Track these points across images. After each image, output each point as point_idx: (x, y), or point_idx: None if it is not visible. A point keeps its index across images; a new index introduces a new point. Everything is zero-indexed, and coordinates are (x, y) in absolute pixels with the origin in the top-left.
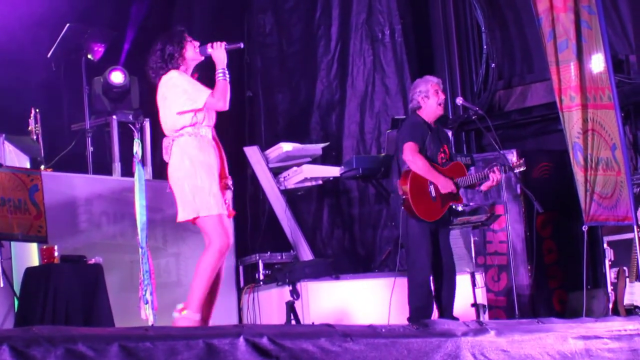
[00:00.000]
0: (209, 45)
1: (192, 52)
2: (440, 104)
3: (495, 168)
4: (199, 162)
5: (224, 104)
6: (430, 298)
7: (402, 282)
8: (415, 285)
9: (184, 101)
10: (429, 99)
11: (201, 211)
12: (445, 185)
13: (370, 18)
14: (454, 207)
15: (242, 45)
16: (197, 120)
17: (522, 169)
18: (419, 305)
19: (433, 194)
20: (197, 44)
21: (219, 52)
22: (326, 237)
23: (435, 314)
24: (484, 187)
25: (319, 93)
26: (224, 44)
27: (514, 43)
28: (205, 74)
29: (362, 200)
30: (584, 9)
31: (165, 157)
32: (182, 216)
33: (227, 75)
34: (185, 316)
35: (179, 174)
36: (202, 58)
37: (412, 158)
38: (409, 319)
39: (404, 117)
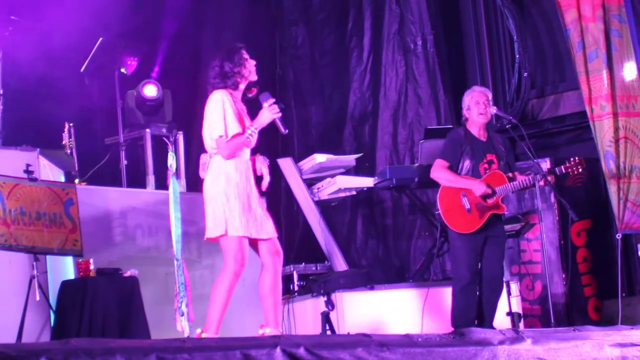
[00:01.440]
0: (271, 101)
1: (250, 71)
2: (481, 114)
3: (538, 176)
4: (234, 182)
5: (226, 154)
6: (470, 309)
7: (436, 293)
8: (455, 295)
9: (219, 127)
10: (470, 110)
11: (227, 230)
12: (477, 188)
13: (402, 29)
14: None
15: (285, 131)
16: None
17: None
18: (458, 315)
19: (467, 205)
20: (253, 62)
21: (267, 115)
22: (360, 248)
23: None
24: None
25: (351, 104)
26: (279, 114)
27: (546, 52)
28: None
29: (395, 211)
30: (614, 18)
31: (201, 174)
32: (210, 233)
33: (253, 137)
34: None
35: (212, 192)
36: (256, 78)
37: (437, 174)
38: (452, 328)
39: (437, 127)
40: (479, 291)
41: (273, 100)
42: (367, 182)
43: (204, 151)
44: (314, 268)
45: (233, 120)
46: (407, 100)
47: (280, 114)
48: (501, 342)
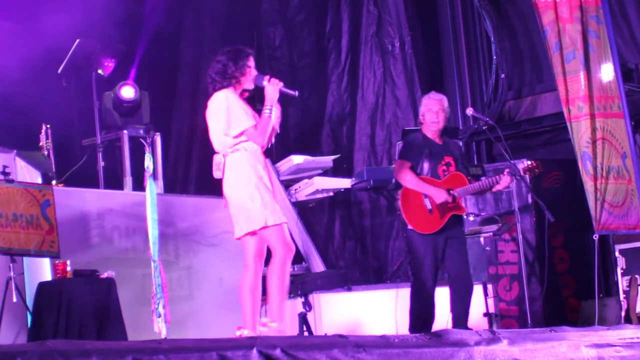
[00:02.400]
0: (267, 77)
1: (248, 79)
2: (433, 122)
3: (505, 171)
4: (257, 175)
5: (263, 140)
6: (431, 309)
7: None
8: (417, 297)
9: (232, 123)
10: (424, 116)
11: (267, 221)
12: (437, 195)
13: (380, 30)
14: (465, 216)
15: (297, 94)
16: (246, 139)
17: (537, 172)
18: (419, 316)
19: (429, 206)
20: (255, 72)
21: (272, 90)
22: (338, 249)
23: (449, 324)
24: (494, 189)
25: (329, 106)
26: (281, 84)
27: (524, 53)
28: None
29: (373, 212)
30: (592, 19)
31: (216, 174)
32: (244, 229)
33: (273, 113)
34: (273, 328)
35: (237, 189)
36: (253, 87)
37: (400, 175)
38: (409, 330)
39: (415, 128)
40: (450, 293)
41: (268, 76)
42: (345, 183)
43: (187, 153)
44: (291, 269)
45: (243, 113)
46: (384, 101)
47: (282, 83)
48: (477, 343)
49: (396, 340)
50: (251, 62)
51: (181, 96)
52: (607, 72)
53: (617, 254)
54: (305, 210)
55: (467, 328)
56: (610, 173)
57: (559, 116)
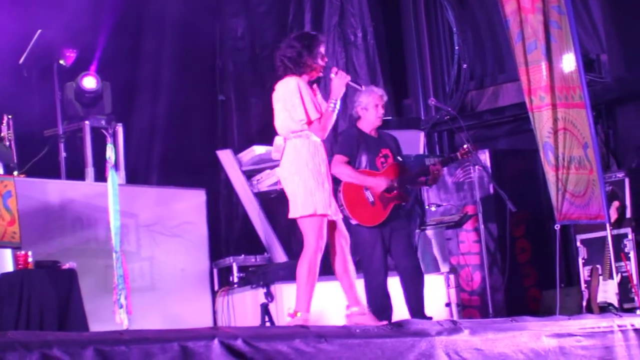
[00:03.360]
0: (334, 70)
1: (319, 68)
2: (378, 117)
3: (435, 160)
4: (312, 164)
5: (324, 134)
6: (387, 300)
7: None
8: (371, 290)
9: (299, 112)
10: (367, 111)
11: (315, 210)
12: (377, 184)
13: (343, 21)
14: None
15: (362, 88)
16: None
17: (469, 155)
18: (377, 308)
19: (371, 198)
20: (325, 60)
21: (339, 83)
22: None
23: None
24: (430, 181)
25: None
26: (348, 77)
27: (486, 43)
28: None
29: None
30: (554, 9)
31: (275, 155)
32: (296, 212)
33: (337, 108)
34: (299, 318)
35: (292, 173)
36: (321, 74)
37: (338, 169)
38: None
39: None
40: (402, 286)
41: (335, 69)
42: None
43: (148, 143)
44: (253, 260)
45: (311, 104)
46: (347, 92)
47: (349, 77)
48: (439, 333)
49: (358, 331)
50: (323, 50)
51: (143, 86)
52: (568, 62)
53: (578, 244)
54: (267, 201)
55: (425, 318)
56: (572, 163)
57: (521, 106)
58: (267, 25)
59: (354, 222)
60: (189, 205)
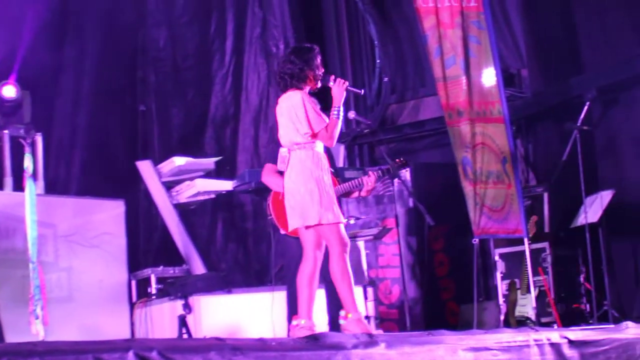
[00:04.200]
0: (332, 78)
1: (318, 79)
2: None
3: (370, 172)
4: (318, 175)
5: (333, 142)
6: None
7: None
8: (294, 299)
9: (304, 125)
10: None
11: (312, 220)
12: None
13: (265, 32)
14: (352, 219)
15: (362, 92)
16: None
17: (404, 169)
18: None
19: None
20: (322, 70)
21: (339, 90)
22: (220, 251)
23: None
24: (363, 193)
25: (213, 107)
26: (346, 83)
27: (407, 57)
28: None
29: (255, 214)
30: (473, 25)
31: (280, 166)
32: (294, 224)
33: (341, 114)
34: (352, 318)
35: (298, 184)
36: (319, 86)
37: (267, 178)
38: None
39: None
40: (326, 297)
41: (333, 75)
42: (226, 185)
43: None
44: (172, 271)
45: (315, 115)
46: (268, 104)
47: (347, 83)
48: (355, 346)
49: (274, 344)
50: (320, 61)
51: (63, 96)
52: (488, 77)
53: (496, 258)
54: (187, 212)
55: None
56: (490, 178)
57: (441, 120)
58: (189, 36)
59: (282, 231)
60: (108, 216)
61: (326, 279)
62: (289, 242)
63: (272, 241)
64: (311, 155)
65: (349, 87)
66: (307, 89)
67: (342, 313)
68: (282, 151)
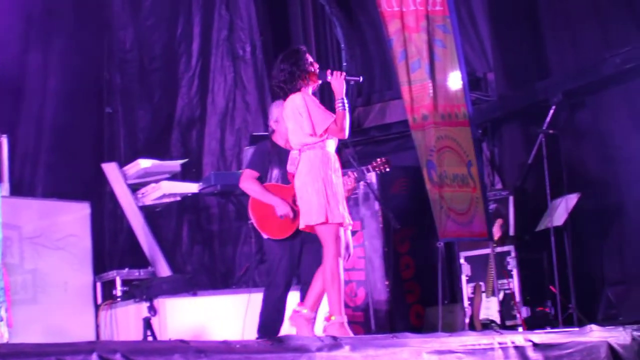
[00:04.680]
0: (329, 72)
1: (314, 77)
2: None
3: (349, 173)
4: (325, 174)
5: (344, 134)
6: (280, 314)
7: (258, 298)
8: (269, 301)
9: (309, 124)
10: (279, 123)
11: (327, 219)
12: (279, 207)
13: (232, 35)
14: None
15: (361, 79)
16: (324, 137)
17: (384, 168)
18: (268, 320)
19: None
20: (316, 66)
21: (337, 82)
22: (186, 254)
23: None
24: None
25: (179, 109)
26: (344, 74)
27: (374, 60)
28: None
29: (221, 217)
30: (439, 28)
31: (290, 168)
32: (309, 221)
33: (346, 105)
34: (335, 321)
35: (308, 184)
36: (319, 82)
37: (245, 185)
38: (257, 332)
39: (263, 133)
40: (301, 298)
41: (329, 70)
42: (192, 187)
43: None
44: (137, 273)
45: (320, 112)
46: (235, 106)
47: (344, 74)
48: (319, 349)
49: (238, 346)
50: (310, 58)
51: (29, 98)
52: (454, 80)
53: (462, 261)
54: (152, 215)
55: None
56: (455, 181)
57: (407, 123)
58: (155, 38)
59: (265, 236)
60: (74, 218)
61: (301, 283)
62: (272, 245)
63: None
64: (320, 155)
65: (347, 78)
66: (308, 89)
67: (325, 315)
68: (292, 153)
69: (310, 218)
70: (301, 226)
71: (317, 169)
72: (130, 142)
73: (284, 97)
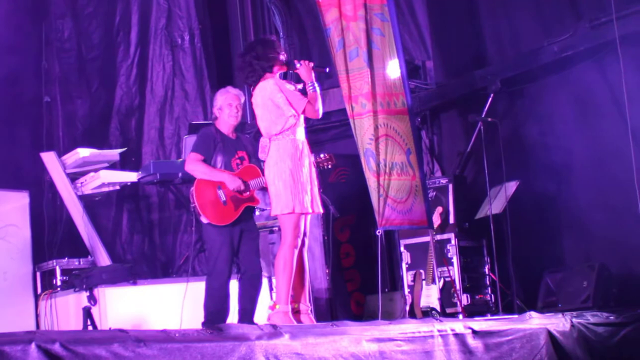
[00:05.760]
0: (296, 62)
1: (280, 65)
2: (232, 116)
3: None
4: (293, 163)
5: (318, 114)
6: (225, 303)
7: (196, 287)
8: (212, 290)
9: (286, 108)
10: (222, 111)
11: (293, 208)
12: (230, 182)
13: (170, 24)
14: (258, 210)
15: (327, 70)
16: (292, 124)
17: (328, 165)
18: (214, 309)
19: (223, 198)
20: (285, 55)
21: (306, 70)
22: (126, 243)
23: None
24: None
25: (118, 98)
26: (312, 64)
27: (312, 49)
28: None
29: (161, 206)
30: (377, 17)
31: (261, 155)
32: (276, 210)
33: (317, 87)
34: (279, 310)
35: (275, 172)
36: (287, 70)
37: (192, 166)
38: (203, 324)
39: (202, 122)
40: (239, 287)
41: (297, 61)
42: (131, 176)
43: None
44: (77, 263)
45: (295, 94)
46: (174, 95)
47: (312, 63)
48: (259, 338)
49: (177, 335)
50: (278, 49)
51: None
52: (392, 69)
53: (402, 249)
54: (92, 204)
55: (253, 322)
56: (394, 169)
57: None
58: (93, 27)
59: (204, 220)
60: (12, 207)
61: (240, 271)
62: (212, 233)
63: (196, 232)
64: (290, 144)
65: (314, 67)
66: (276, 69)
67: (270, 304)
68: (262, 140)
69: (277, 208)
70: (272, 214)
71: (285, 159)
72: (69, 131)
73: (256, 82)
